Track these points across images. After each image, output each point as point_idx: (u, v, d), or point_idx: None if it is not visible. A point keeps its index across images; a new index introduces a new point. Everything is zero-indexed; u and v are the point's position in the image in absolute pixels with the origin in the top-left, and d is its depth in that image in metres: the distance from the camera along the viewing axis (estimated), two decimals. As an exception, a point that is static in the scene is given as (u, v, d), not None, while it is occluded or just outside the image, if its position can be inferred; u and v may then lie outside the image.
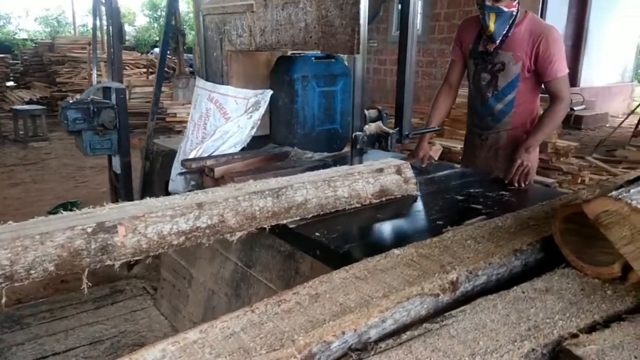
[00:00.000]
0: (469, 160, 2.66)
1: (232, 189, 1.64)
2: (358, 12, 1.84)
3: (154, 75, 11.16)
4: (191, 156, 2.58)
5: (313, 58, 2.68)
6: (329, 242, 1.64)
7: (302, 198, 1.71)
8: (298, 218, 1.71)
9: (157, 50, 12.96)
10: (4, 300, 1.24)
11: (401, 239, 1.67)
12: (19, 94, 10.47)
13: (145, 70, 11.49)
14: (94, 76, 7.86)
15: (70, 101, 3.30)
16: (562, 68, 2.27)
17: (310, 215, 1.74)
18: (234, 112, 2.64)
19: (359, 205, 1.86)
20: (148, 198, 1.56)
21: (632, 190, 0.98)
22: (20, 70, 12.39)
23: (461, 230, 1.43)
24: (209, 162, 2.22)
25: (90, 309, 3.01)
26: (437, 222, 1.80)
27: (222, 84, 2.66)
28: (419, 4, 2.00)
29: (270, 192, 1.65)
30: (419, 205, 2.01)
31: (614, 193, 0.98)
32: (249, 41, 2.45)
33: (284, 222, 1.73)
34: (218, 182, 2.12)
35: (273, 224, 1.66)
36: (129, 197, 3.50)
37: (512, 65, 2.36)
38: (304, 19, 2.09)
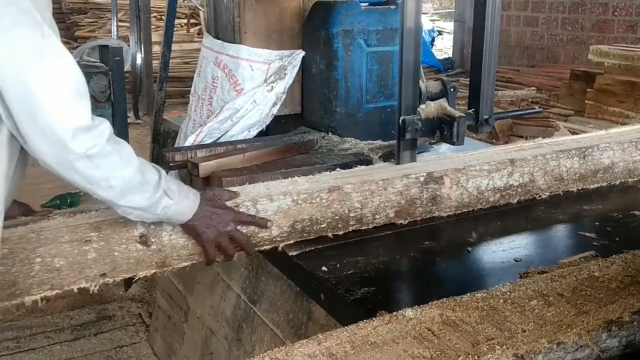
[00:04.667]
0: None
1: (536, 146, 2.06)
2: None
3: (196, 28, 11.51)
4: (189, 142, 2.54)
5: (362, 4, 2.53)
6: (337, 283, 1.53)
7: (609, 160, 2.05)
8: (605, 184, 2.09)
9: (203, -7, 13.31)
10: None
11: (450, 287, 1.53)
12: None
13: (186, 21, 11.84)
14: (114, 28, 8.26)
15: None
16: None
17: (618, 181, 2.11)
18: (248, 82, 2.56)
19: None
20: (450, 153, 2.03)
21: None
22: (36, 21, 13.27)
23: (527, 282, 1.23)
24: (199, 154, 2.15)
25: (67, 339, 3.10)
26: (515, 259, 1.65)
27: (234, 42, 2.59)
28: None
29: (577, 152, 2.01)
30: (493, 223, 1.88)
31: None
32: (265, -19, 2.35)
33: (287, 244, 1.68)
34: (207, 183, 2.05)
35: (579, 187, 2.04)
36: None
37: None
38: (333, -53, 1.95)
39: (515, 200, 1.93)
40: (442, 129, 1.95)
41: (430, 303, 1.17)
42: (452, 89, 2.00)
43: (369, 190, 1.70)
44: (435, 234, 1.80)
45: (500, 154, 1.98)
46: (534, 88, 5.96)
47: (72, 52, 1.43)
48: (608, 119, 5.37)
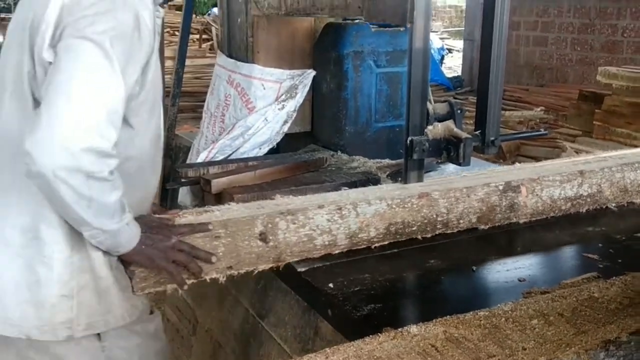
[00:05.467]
0: None
1: (601, 159, 2.21)
2: (412, -37, 1.73)
3: (208, 44, 11.65)
4: (201, 158, 2.60)
5: (372, 26, 2.59)
6: (344, 299, 1.57)
7: None
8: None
9: (215, 10, 13.47)
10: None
11: (454, 304, 1.55)
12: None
13: (198, 36, 11.97)
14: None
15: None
16: None
17: None
18: (260, 100, 2.62)
19: None
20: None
21: None
22: None
23: (528, 301, 1.27)
24: (211, 170, 2.20)
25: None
26: (518, 279, 1.68)
27: (247, 61, 2.65)
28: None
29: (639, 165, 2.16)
30: (498, 244, 1.93)
31: None
32: (278, 3, 2.44)
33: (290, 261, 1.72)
34: (220, 199, 2.10)
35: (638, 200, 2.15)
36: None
37: None
38: (345, -28, 2.02)
39: (584, 210, 2.07)
40: (448, 150, 2.00)
41: (434, 320, 1.21)
42: (459, 111, 2.05)
43: (454, 196, 1.83)
44: (441, 253, 1.83)
45: (569, 165, 2.12)
46: (542, 108, 6.00)
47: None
48: (616, 140, 5.38)
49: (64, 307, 1.40)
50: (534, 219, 1.97)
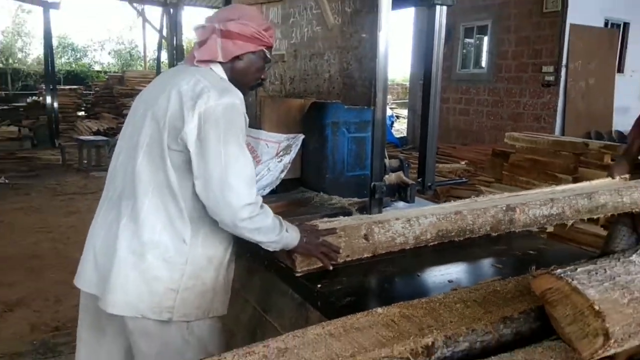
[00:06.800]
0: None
1: (561, 190, 2.44)
2: (375, 67, 1.96)
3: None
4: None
5: (345, 105, 2.80)
6: (329, 294, 1.72)
7: (604, 201, 2.37)
8: (602, 215, 2.39)
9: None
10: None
11: (405, 296, 1.70)
12: (87, 124, 11.45)
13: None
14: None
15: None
16: None
17: (608, 214, 2.45)
18: (265, 155, 2.80)
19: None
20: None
21: (579, 269, 0.99)
22: (92, 101, 13.57)
23: (454, 293, 1.47)
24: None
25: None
26: (448, 280, 1.84)
27: (255, 127, 2.85)
28: (442, 42, 2.20)
29: (586, 195, 2.35)
30: (434, 257, 2.06)
31: (558, 271, 1.00)
32: (279, 88, 2.63)
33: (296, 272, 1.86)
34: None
35: (588, 217, 2.37)
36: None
37: None
38: (328, 70, 2.25)
39: (554, 224, 2.34)
40: (400, 192, 2.20)
41: (392, 304, 1.39)
42: (406, 165, 2.26)
43: (476, 214, 2.07)
44: (395, 264, 1.96)
45: (543, 195, 2.37)
46: (466, 161, 6.27)
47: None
48: (520, 186, 5.64)
49: (170, 296, 1.61)
50: (525, 229, 2.23)
